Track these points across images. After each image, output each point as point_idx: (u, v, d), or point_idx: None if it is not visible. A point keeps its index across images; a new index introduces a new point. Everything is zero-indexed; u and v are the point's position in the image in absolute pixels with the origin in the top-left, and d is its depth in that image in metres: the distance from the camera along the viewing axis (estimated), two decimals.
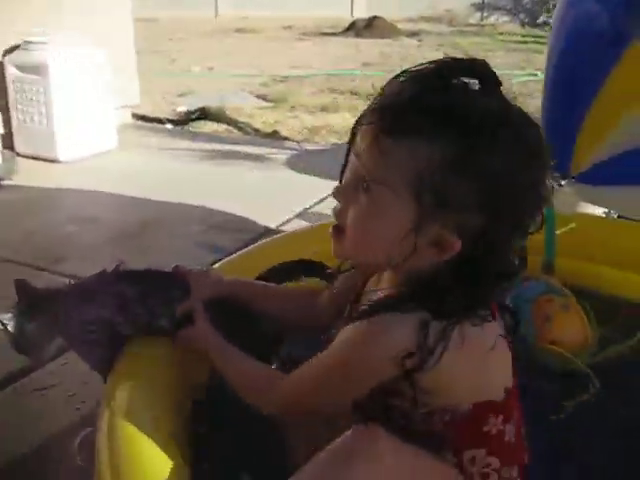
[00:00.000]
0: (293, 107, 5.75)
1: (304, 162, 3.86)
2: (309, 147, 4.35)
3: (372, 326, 0.95)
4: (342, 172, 1.04)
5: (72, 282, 1.37)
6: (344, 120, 5.21)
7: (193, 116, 5.46)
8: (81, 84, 3.96)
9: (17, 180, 3.61)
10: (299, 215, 3.03)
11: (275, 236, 2.11)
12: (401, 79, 0.94)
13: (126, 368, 1.25)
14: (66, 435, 1.57)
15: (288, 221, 2.95)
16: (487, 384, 1.01)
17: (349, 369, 0.98)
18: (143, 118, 5.22)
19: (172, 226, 2.94)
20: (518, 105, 0.94)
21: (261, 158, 4.02)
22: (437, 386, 0.97)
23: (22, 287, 1.35)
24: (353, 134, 1.00)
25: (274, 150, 4.20)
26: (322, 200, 3.13)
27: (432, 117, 0.89)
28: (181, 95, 6.37)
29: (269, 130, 5.00)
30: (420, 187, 0.90)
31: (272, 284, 1.42)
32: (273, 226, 2.89)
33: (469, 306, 0.95)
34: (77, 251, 2.69)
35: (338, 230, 1.03)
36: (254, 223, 2.93)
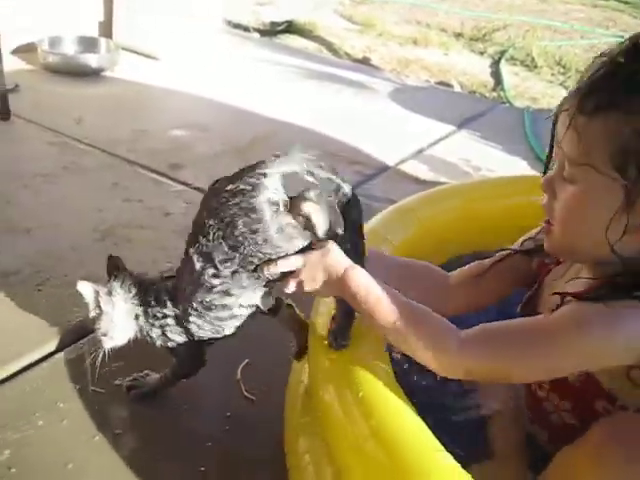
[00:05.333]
0: (381, 34, 5.54)
1: (407, 97, 3.72)
2: (409, 82, 4.19)
3: (613, 310, 0.91)
4: (546, 163, 1.08)
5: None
6: (434, 57, 5.04)
7: (279, 28, 5.28)
8: None
9: (118, 73, 3.51)
10: (414, 156, 2.92)
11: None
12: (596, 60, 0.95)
13: None
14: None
15: (403, 161, 2.84)
16: None
17: (576, 345, 0.94)
18: (229, 24, 5.05)
19: (285, 146, 2.83)
20: None
21: (360, 85, 3.88)
22: None
23: (115, 265, 1.31)
24: (554, 124, 1.02)
25: (371, 79, 4.04)
26: (436, 142, 3.02)
27: (624, 89, 0.89)
28: (262, 4, 6.15)
29: (359, 56, 4.82)
30: (623, 161, 0.89)
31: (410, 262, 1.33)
32: (391, 164, 2.80)
33: None
34: (191, 159, 2.61)
35: (548, 225, 1.04)
36: (369, 157, 2.83)
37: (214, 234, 1.12)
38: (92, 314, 1.27)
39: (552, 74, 4.90)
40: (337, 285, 1.05)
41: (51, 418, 1.36)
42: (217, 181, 1.16)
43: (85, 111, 2.93)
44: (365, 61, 4.71)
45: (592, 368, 1.00)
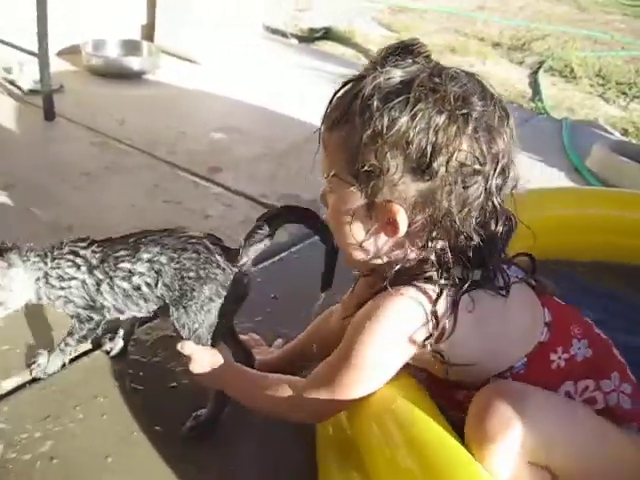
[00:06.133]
0: None
1: None
2: None
3: (375, 309, 1.05)
4: None
5: None
6: (472, 66, 5.02)
7: (317, 34, 5.31)
8: None
9: (159, 76, 3.56)
10: None
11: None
12: None
13: None
14: None
15: None
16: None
17: (364, 355, 1.06)
18: (268, 29, 5.09)
19: None
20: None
21: None
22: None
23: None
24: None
25: None
26: None
27: (355, 106, 1.01)
28: (300, 10, 6.19)
29: None
30: (355, 167, 1.02)
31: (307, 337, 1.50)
32: None
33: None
34: (230, 162, 2.63)
35: None
36: None
37: (181, 264, 1.29)
38: None
39: (591, 85, 4.85)
40: (214, 379, 1.28)
41: (91, 412, 1.39)
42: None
43: (127, 112, 2.98)
44: None
45: (392, 361, 1.08)
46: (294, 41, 5.05)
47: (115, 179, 2.40)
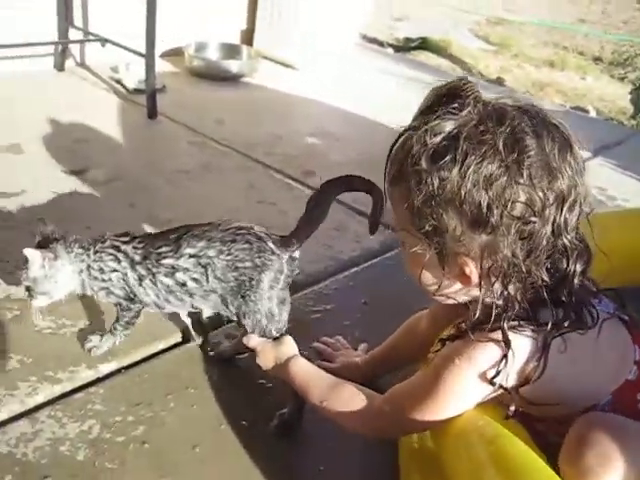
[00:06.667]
0: (516, 55, 5.45)
1: None
2: (543, 105, 4.08)
3: (463, 346, 1.03)
4: None
5: None
6: (571, 80, 4.89)
7: (413, 44, 5.30)
8: None
9: (257, 79, 3.63)
10: None
11: None
12: None
13: None
14: None
15: None
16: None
17: (449, 381, 1.04)
18: (365, 38, 5.11)
19: None
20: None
21: None
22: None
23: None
24: None
25: None
26: None
27: (409, 163, 0.98)
28: (397, 19, 6.19)
29: (493, 76, 4.76)
30: (419, 224, 1.00)
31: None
32: None
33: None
34: (325, 167, 2.65)
35: None
36: None
37: (233, 255, 1.30)
38: (34, 275, 1.37)
39: None
40: (280, 371, 1.31)
41: (182, 401, 1.42)
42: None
43: (225, 114, 3.06)
44: (499, 82, 4.65)
45: (475, 395, 1.06)
46: (390, 50, 5.06)
47: (212, 177, 2.46)
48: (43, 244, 1.41)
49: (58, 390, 1.42)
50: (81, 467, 1.24)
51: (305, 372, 1.28)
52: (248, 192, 2.37)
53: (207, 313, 1.47)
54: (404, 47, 5.23)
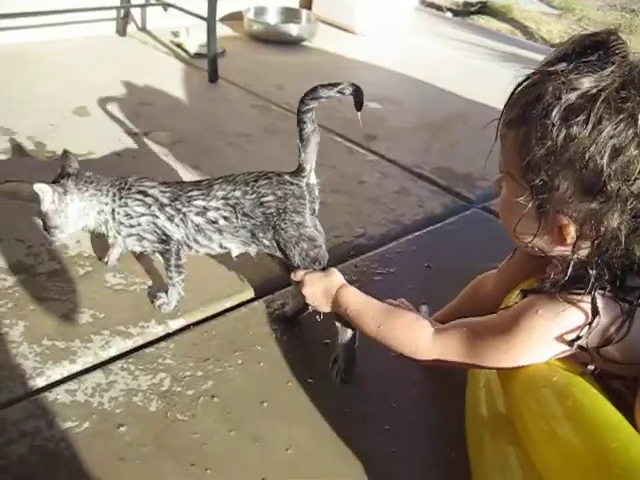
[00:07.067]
0: (580, 19, 5.28)
1: None
2: None
3: (549, 301, 1.01)
4: None
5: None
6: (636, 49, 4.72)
7: (472, 8, 5.18)
8: None
9: (316, 43, 3.61)
10: None
11: None
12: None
13: None
14: None
15: None
16: None
17: (522, 337, 1.03)
18: (423, 2, 5.02)
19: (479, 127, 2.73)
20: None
21: None
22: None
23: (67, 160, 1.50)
24: None
25: None
26: None
27: (522, 109, 0.96)
28: None
29: (555, 41, 4.63)
30: (530, 173, 0.96)
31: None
32: None
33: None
34: (385, 132, 2.64)
35: None
36: None
37: (257, 193, 1.37)
38: (45, 209, 1.43)
39: None
40: (330, 302, 1.30)
41: (249, 358, 1.44)
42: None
43: (285, 78, 3.05)
44: None
45: (550, 350, 1.04)
46: (449, 14, 4.96)
47: (274, 140, 2.47)
48: (58, 179, 1.47)
49: (130, 344, 1.46)
50: (154, 418, 1.28)
51: (358, 299, 1.26)
52: None
53: (235, 253, 1.48)
54: (463, 11, 5.12)
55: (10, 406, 1.27)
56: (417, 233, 1.96)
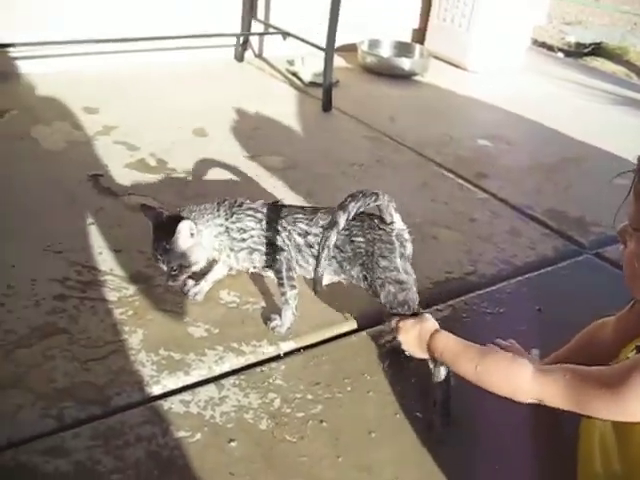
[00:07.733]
0: None
1: None
2: None
3: None
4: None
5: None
6: None
7: (585, 50, 5.09)
8: None
9: (428, 78, 3.63)
10: None
11: None
12: None
13: None
14: None
15: None
16: None
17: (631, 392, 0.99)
18: (535, 42, 4.97)
19: (596, 171, 2.65)
20: None
21: None
22: None
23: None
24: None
25: None
26: None
27: None
28: (568, 24, 5.97)
29: None
30: None
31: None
32: None
33: None
34: (496, 170, 2.62)
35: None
36: None
37: (349, 230, 1.44)
38: (187, 244, 1.49)
39: None
40: (425, 347, 1.30)
41: (359, 386, 1.45)
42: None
43: (397, 110, 3.08)
44: None
45: None
46: (560, 55, 4.89)
47: (386, 172, 2.49)
48: (168, 219, 1.51)
49: (242, 361, 1.49)
50: (263, 436, 1.30)
51: (454, 342, 1.27)
52: (422, 189, 2.39)
53: (326, 281, 1.51)
54: (576, 52, 5.03)
55: (128, 410, 1.32)
56: (528, 275, 1.93)
